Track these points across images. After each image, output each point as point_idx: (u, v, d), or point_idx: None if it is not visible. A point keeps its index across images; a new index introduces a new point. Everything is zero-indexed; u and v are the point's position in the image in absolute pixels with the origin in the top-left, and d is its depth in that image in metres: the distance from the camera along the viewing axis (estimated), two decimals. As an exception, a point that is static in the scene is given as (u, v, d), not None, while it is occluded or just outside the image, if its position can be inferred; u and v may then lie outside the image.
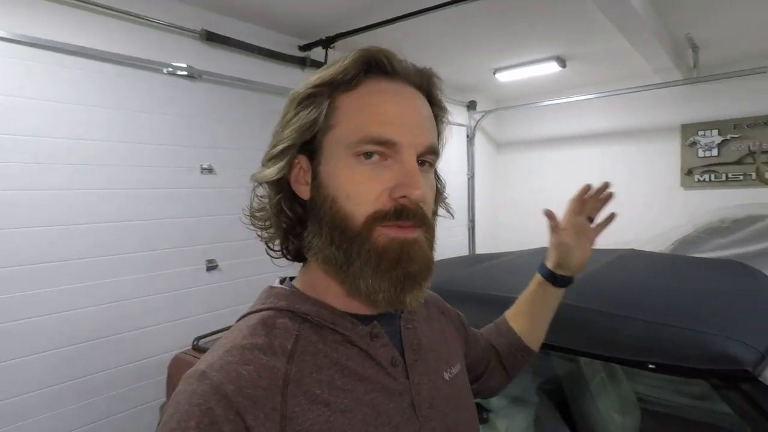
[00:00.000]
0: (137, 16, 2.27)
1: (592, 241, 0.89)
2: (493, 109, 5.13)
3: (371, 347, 0.56)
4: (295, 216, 0.59)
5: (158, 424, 0.48)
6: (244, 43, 2.72)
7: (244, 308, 2.26)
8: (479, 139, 5.12)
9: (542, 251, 2.04)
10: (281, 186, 0.59)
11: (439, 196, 0.65)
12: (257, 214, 0.62)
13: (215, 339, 2.14)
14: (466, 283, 1.48)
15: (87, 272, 2.15)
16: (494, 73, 4.13)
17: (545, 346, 0.98)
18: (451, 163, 4.64)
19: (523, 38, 3.29)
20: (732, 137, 4.09)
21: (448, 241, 4.57)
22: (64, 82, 2.07)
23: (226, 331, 0.57)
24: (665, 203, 4.39)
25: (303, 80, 0.59)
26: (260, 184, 0.60)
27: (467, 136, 4.95)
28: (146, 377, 2.36)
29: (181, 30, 2.46)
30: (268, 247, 0.63)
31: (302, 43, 3.10)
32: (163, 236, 2.41)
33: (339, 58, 0.58)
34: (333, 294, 0.57)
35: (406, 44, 3.34)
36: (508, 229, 5.42)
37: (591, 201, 0.91)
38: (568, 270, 0.87)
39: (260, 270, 2.79)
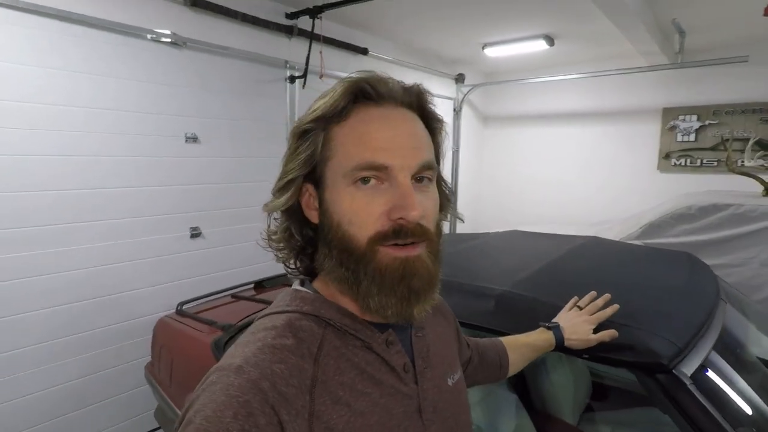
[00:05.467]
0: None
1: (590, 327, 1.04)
2: (481, 84, 5.12)
3: (387, 353, 0.61)
4: (304, 239, 0.64)
5: (185, 409, 0.51)
6: (230, 9, 2.68)
7: (226, 274, 2.37)
8: (466, 113, 5.14)
9: (512, 234, 2.14)
10: (291, 212, 0.64)
11: (446, 205, 0.68)
12: (273, 237, 0.66)
13: (198, 305, 2.23)
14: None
15: (76, 236, 2.21)
16: (483, 48, 4.11)
17: (493, 332, 1.09)
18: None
19: (513, 15, 3.27)
20: (710, 123, 4.17)
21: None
22: (49, 47, 2.06)
23: (251, 326, 0.60)
24: (643, 185, 4.49)
25: (304, 113, 0.63)
26: (271, 213, 0.66)
27: (454, 109, 4.97)
28: (133, 337, 2.47)
29: (166, -5, 2.42)
30: (286, 265, 0.68)
31: (290, 11, 3.05)
32: (149, 203, 2.46)
33: (329, 90, 0.62)
34: (349, 303, 0.61)
35: (394, 16, 3.31)
36: (491, 204, 5.52)
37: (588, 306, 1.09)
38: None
39: (242, 238, 2.87)
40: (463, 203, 5.22)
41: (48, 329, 2.16)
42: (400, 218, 0.56)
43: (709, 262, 2.65)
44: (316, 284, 0.65)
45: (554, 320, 1.07)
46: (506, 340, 1.01)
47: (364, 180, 0.57)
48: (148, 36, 2.37)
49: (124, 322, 2.43)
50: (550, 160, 5.06)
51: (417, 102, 0.63)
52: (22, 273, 2.06)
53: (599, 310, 1.07)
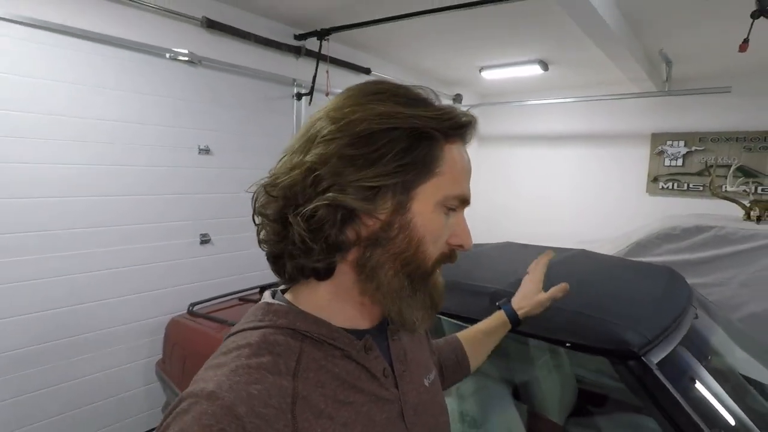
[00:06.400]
0: (144, 3, 2.40)
1: (534, 286, 1.07)
2: (478, 104, 5.31)
3: (366, 360, 0.59)
4: (352, 237, 0.57)
5: None
6: (243, 31, 2.86)
7: (232, 279, 2.52)
8: (463, 133, 5.30)
9: (507, 244, 2.27)
10: (353, 211, 0.55)
11: None
12: (303, 226, 0.54)
13: (206, 306, 2.35)
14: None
15: (93, 240, 2.35)
16: (480, 71, 4.29)
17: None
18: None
19: (508, 41, 3.45)
20: (696, 149, 4.34)
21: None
22: (80, 65, 2.24)
23: (222, 344, 0.56)
24: (632, 207, 4.63)
25: (409, 110, 0.55)
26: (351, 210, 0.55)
27: (451, 129, 5.13)
28: (144, 336, 2.59)
29: (184, 17, 2.60)
30: (290, 259, 0.58)
31: (298, 32, 3.24)
32: (163, 211, 2.61)
33: (430, 98, 0.59)
34: (333, 312, 0.59)
35: (396, 39, 3.49)
36: (485, 219, 5.65)
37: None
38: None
39: (248, 245, 3.00)
40: (459, 220, 5.34)
41: (63, 328, 2.28)
42: (460, 246, 0.62)
43: (691, 281, 2.74)
44: (296, 294, 0.62)
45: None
46: (462, 334, 1.01)
47: (451, 208, 0.60)
48: (167, 55, 2.54)
49: (137, 322, 2.56)
50: (544, 180, 5.20)
51: None
52: (41, 274, 2.19)
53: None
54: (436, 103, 0.59)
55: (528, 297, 1.04)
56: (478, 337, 1.00)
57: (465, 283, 1.44)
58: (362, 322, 0.62)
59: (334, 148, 0.54)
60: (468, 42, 3.49)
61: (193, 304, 2.24)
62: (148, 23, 2.46)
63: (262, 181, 0.60)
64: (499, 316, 1.03)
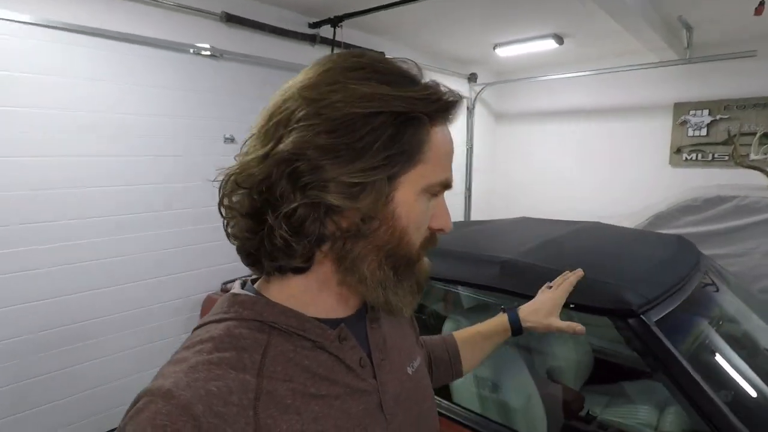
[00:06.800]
0: (167, 2, 2.54)
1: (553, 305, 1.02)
2: (493, 82, 5.28)
3: (340, 351, 0.56)
4: (335, 230, 0.53)
5: None
6: (260, 23, 2.97)
7: None
8: (479, 111, 5.31)
9: (521, 218, 2.32)
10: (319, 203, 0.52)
11: None
12: (284, 222, 0.51)
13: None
14: (451, 243, 1.77)
15: (136, 226, 2.56)
16: (494, 48, 4.26)
17: (497, 291, 1.29)
18: (452, 135, 4.90)
19: (522, 16, 3.42)
20: (721, 118, 4.17)
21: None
22: (117, 65, 2.41)
23: (187, 338, 0.55)
24: (654, 180, 4.53)
25: (393, 90, 0.51)
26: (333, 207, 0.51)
27: (467, 107, 5.16)
28: (185, 312, 2.82)
29: (204, 13, 2.72)
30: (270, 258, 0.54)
31: (312, 20, 3.31)
32: (195, 197, 2.80)
33: (414, 74, 0.56)
34: (307, 301, 0.57)
35: (409, 22, 3.52)
36: (503, 197, 5.66)
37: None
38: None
39: (273, 229, 3.17)
40: (476, 196, 5.40)
41: (114, 305, 2.52)
42: (441, 229, 0.60)
43: (712, 252, 2.73)
44: (267, 285, 0.58)
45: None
46: (459, 334, 0.98)
47: (434, 194, 0.58)
48: (191, 50, 2.68)
49: (176, 300, 2.79)
50: (562, 155, 5.15)
51: None
52: (95, 255, 2.42)
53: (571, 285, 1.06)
54: (421, 80, 0.56)
55: (539, 313, 0.98)
56: (475, 339, 0.97)
57: (476, 253, 1.52)
58: (339, 311, 0.59)
59: (311, 135, 0.49)
60: (481, 20, 3.49)
61: (226, 282, 2.43)
62: (171, 21, 2.59)
63: (230, 170, 0.55)
64: (500, 321, 0.98)
